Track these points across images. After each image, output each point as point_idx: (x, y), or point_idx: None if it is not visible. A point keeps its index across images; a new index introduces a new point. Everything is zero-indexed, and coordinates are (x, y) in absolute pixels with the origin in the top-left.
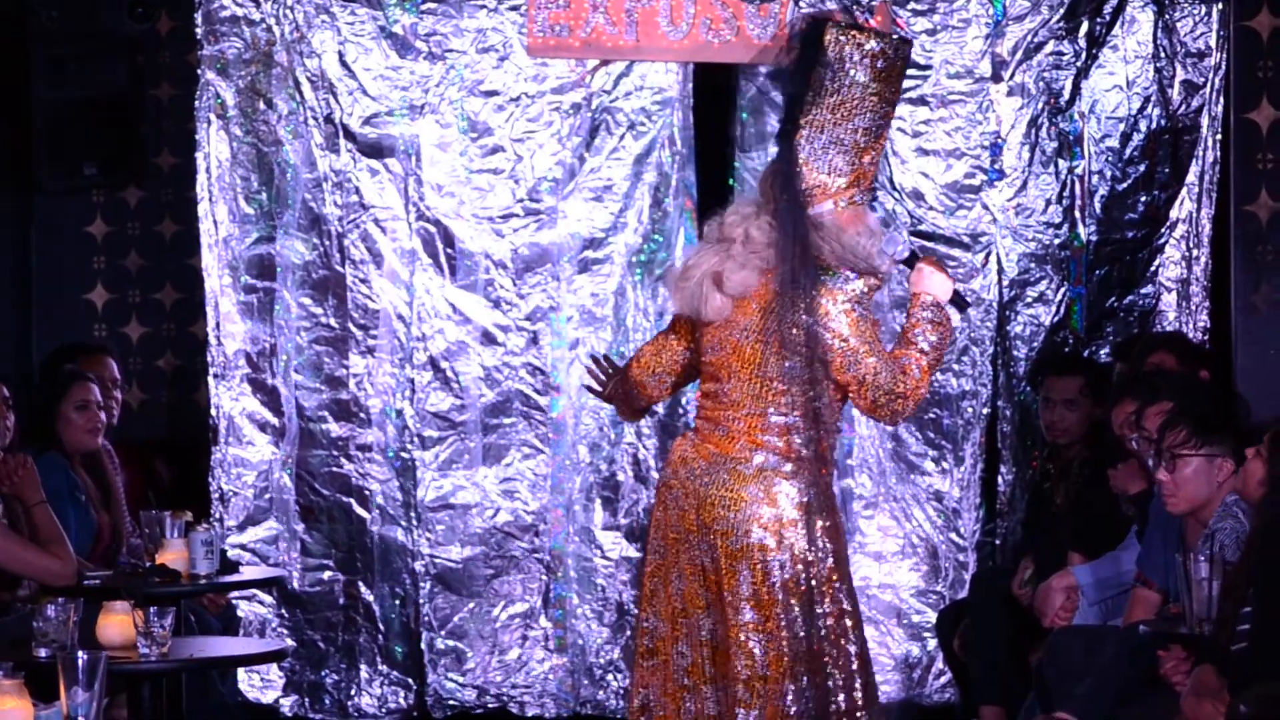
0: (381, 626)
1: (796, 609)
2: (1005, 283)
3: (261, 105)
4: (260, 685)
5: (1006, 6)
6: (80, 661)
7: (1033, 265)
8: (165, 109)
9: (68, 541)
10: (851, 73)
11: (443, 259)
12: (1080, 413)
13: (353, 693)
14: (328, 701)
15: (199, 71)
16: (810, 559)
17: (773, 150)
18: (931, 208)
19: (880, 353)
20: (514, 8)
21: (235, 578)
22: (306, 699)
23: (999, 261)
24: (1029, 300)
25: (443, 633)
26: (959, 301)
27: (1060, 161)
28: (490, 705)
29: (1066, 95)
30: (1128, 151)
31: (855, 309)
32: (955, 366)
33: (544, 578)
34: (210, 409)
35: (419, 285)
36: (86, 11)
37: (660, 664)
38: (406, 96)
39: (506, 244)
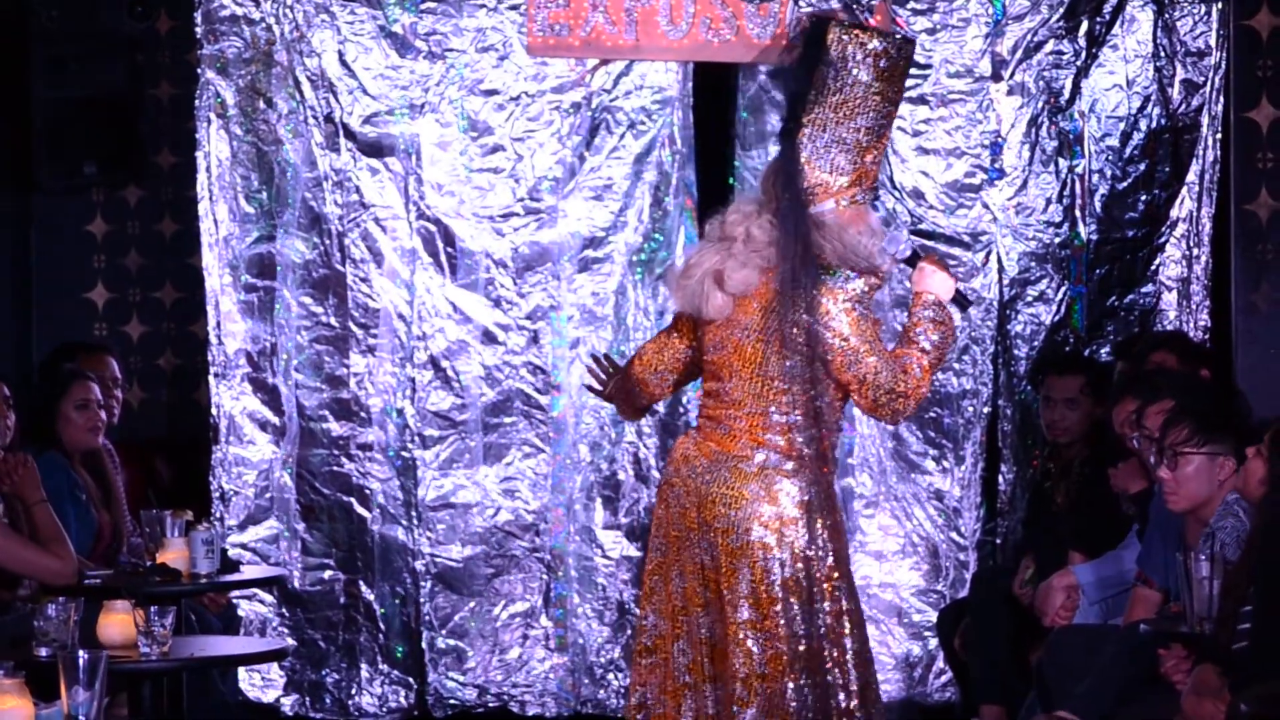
0: (382, 626)
1: (796, 607)
2: (1006, 282)
3: (261, 104)
4: (261, 684)
5: (1006, 6)
6: (81, 661)
7: (1033, 264)
8: (165, 108)
9: (68, 541)
10: (854, 72)
11: (443, 258)
12: (1081, 412)
13: (353, 692)
14: (328, 701)
15: (199, 71)
16: (811, 557)
17: (774, 149)
18: (932, 207)
19: (881, 352)
20: (514, 7)
21: (236, 577)
22: (307, 698)
23: (999, 260)
24: (1029, 299)
25: (443, 632)
26: (961, 300)
27: (1060, 160)
28: (491, 704)
29: (1066, 94)
30: (1128, 150)
31: (856, 308)
32: (956, 365)
33: (545, 577)
34: (211, 408)
35: (419, 284)
36: (86, 11)
37: (660, 662)
38: (406, 96)
39: (507, 243)
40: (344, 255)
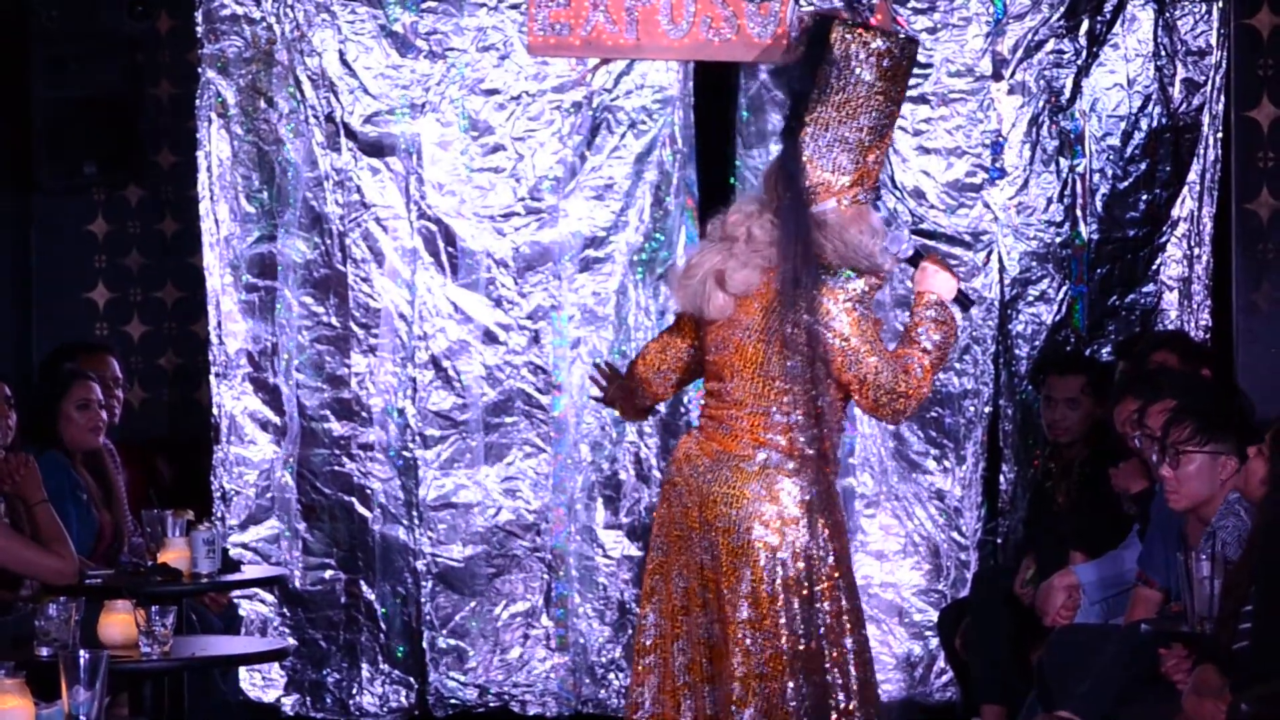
0: (383, 625)
1: (796, 607)
2: (1007, 281)
3: (262, 104)
4: (262, 684)
5: (1007, 5)
6: (82, 660)
7: (1034, 264)
8: (165, 108)
9: (69, 540)
10: (857, 71)
11: (444, 258)
12: (1082, 411)
13: (354, 692)
14: (329, 700)
15: (199, 70)
16: (812, 557)
17: (775, 148)
18: (933, 206)
19: (882, 352)
20: (514, 6)
21: (237, 577)
22: (308, 698)
23: (1000, 260)
24: (1030, 299)
25: (444, 632)
26: (963, 300)
27: (1061, 160)
28: (491, 704)
29: (1067, 93)
30: (1129, 150)
31: (856, 308)
32: (957, 365)
33: (545, 577)
34: (212, 408)
35: (420, 284)
36: (86, 11)
37: (659, 662)
38: (407, 95)
39: (508, 243)
40: (345, 255)
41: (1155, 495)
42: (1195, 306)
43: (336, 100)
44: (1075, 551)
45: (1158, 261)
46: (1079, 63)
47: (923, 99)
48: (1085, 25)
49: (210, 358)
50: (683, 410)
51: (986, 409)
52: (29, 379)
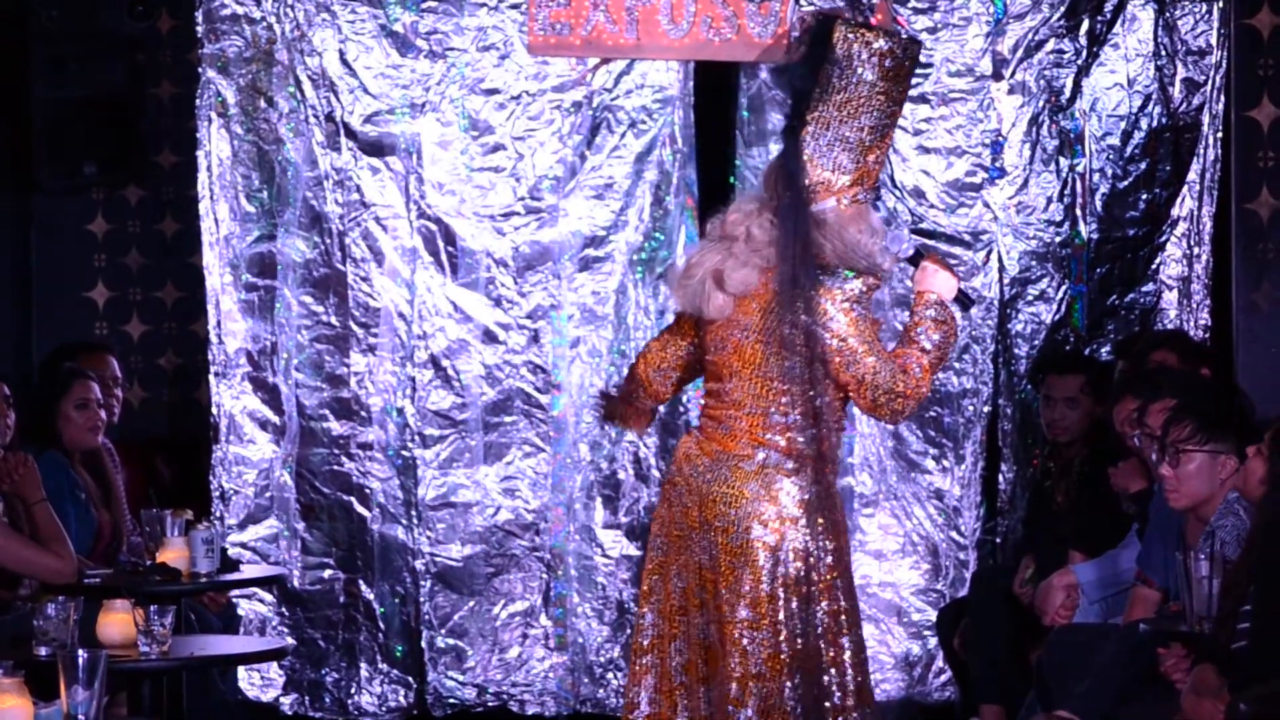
0: (382, 625)
1: (794, 607)
2: (1006, 281)
3: (262, 103)
4: (260, 684)
5: (1007, 4)
6: (80, 660)
7: (1034, 263)
8: (166, 107)
9: (68, 540)
10: (859, 71)
11: (444, 257)
12: (1081, 411)
13: (353, 691)
14: (328, 700)
15: (199, 70)
16: (810, 557)
17: (775, 148)
18: (933, 206)
19: (880, 352)
20: (514, 6)
21: (235, 576)
22: (307, 697)
23: (1000, 259)
24: (1030, 298)
25: (443, 631)
26: (963, 300)
27: (1061, 159)
28: (490, 704)
29: (1067, 93)
30: (1129, 149)
31: (854, 309)
32: (956, 365)
33: (544, 576)
34: (211, 407)
35: (420, 283)
36: (86, 11)
37: (656, 661)
38: (407, 95)
39: (508, 242)
40: (345, 254)
41: (1154, 495)
42: (1195, 306)
43: (336, 100)
44: (1074, 551)
45: (1157, 261)
46: (1079, 62)
47: (923, 98)
48: (1085, 25)
49: (209, 357)
50: (682, 410)
51: (986, 408)
52: (29, 378)
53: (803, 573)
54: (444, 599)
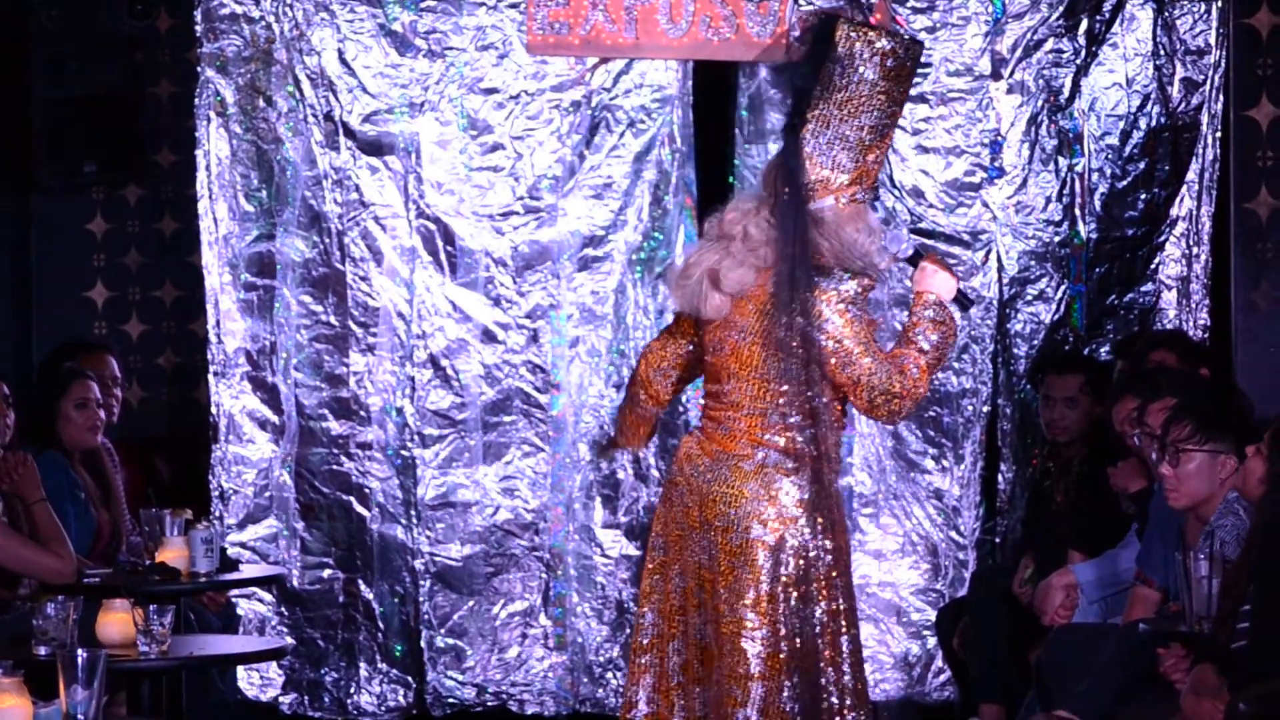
0: (381, 624)
1: (794, 606)
2: (1005, 280)
3: (261, 103)
4: (260, 683)
5: (1006, 4)
6: (80, 659)
7: (1033, 263)
8: (165, 107)
9: (67, 539)
10: (861, 69)
11: (443, 256)
12: (1080, 411)
13: (352, 691)
14: (327, 700)
15: (198, 69)
16: (810, 556)
17: (773, 147)
18: (931, 205)
19: (876, 353)
20: (513, 5)
21: (235, 576)
22: (306, 697)
23: (999, 259)
24: (1029, 298)
25: (442, 631)
26: (962, 300)
27: (1060, 159)
28: (489, 703)
29: (1066, 93)
30: (1127, 149)
31: (849, 310)
32: (955, 364)
33: (544, 576)
34: (210, 407)
35: (419, 283)
36: (86, 10)
37: (655, 661)
38: (406, 94)
39: (507, 241)
40: (343, 254)
41: (1154, 494)
42: (1194, 306)
43: (335, 99)
44: (1073, 551)
45: (1156, 261)
46: (1078, 62)
47: (921, 98)
48: (1084, 24)
49: (209, 356)
50: (681, 410)
51: (985, 408)
52: (28, 378)
53: (802, 572)
54: (443, 599)
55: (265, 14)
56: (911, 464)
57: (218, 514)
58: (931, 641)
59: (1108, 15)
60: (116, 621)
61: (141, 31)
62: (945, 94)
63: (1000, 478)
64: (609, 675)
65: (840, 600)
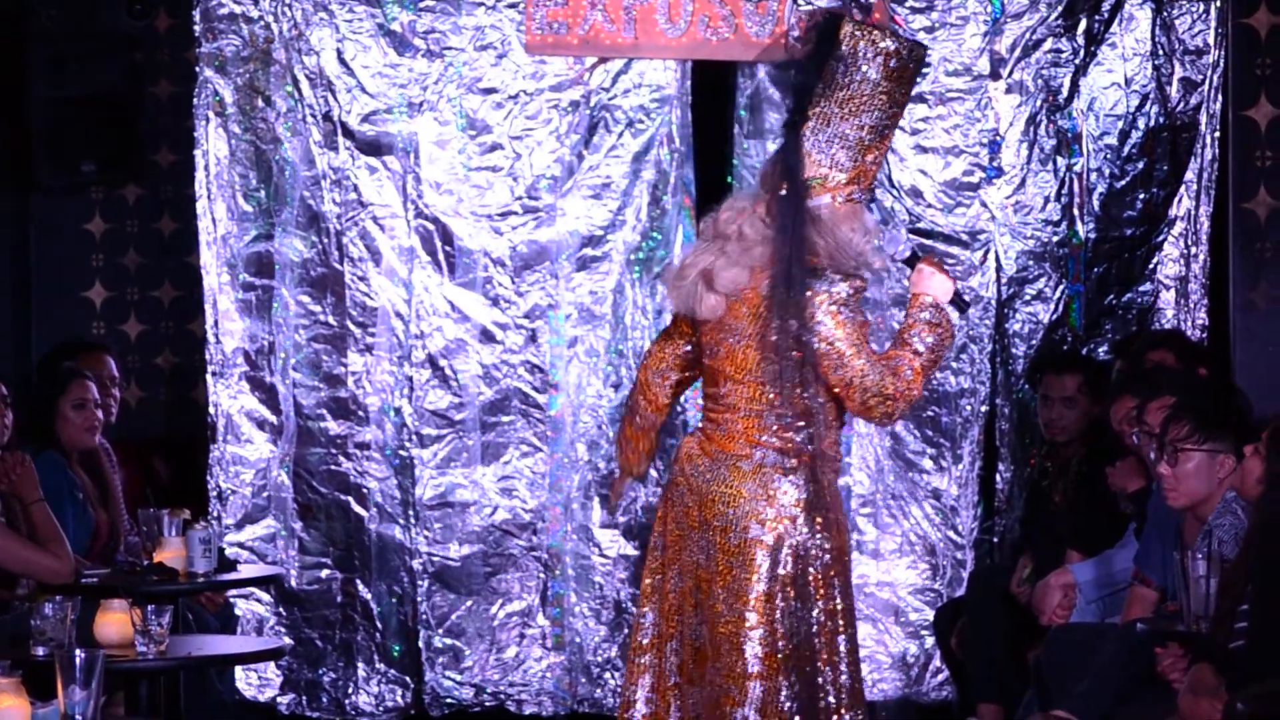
0: (379, 624)
1: (792, 606)
2: (1004, 280)
3: (260, 103)
4: (258, 683)
5: (1005, 4)
6: (78, 659)
7: (1031, 263)
8: (164, 106)
9: (66, 540)
10: (864, 68)
11: (441, 256)
12: (1078, 410)
13: (350, 691)
14: (325, 700)
15: (197, 69)
16: (808, 556)
17: (772, 147)
18: (930, 205)
19: (868, 354)
20: (512, 5)
21: (233, 576)
22: (304, 697)
23: (997, 259)
24: (1027, 298)
25: (440, 631)
26: (959, 302)
27: (1059, 159)
28: (488, 703)
29: (1065, 93)
30: (1126, 149)
31: (841, 312)
32: (954, 364)
33: (542, 576)
34: (208, 407)
35: (417, 283)
36: (85, 10)
37: (655, 661)
38: (405, 94)
39: (505, 241)
40: (342, 254)
41: (1152, 494)
42: (1192, 305)
43: (334, 99)
44: (1072, 550)
45: (1155, 260)
46: (1076, 62)
47: (920, 98)
48: (1083, 24)
49: (207, 356)
50: (680, 410)
51: (983, 408)
52: (27, 378)
53: (800, 572)
54: (441, 599)
55: (264, 14)
56: (910, 464)
57: (216, 514)
58: (929, 641)
59: (1106, 15)
60: (114, 622)
61: (140, 31)
62: (944, 94)
63: (998, 477)
64: (607, 675)
65: (838, 599)
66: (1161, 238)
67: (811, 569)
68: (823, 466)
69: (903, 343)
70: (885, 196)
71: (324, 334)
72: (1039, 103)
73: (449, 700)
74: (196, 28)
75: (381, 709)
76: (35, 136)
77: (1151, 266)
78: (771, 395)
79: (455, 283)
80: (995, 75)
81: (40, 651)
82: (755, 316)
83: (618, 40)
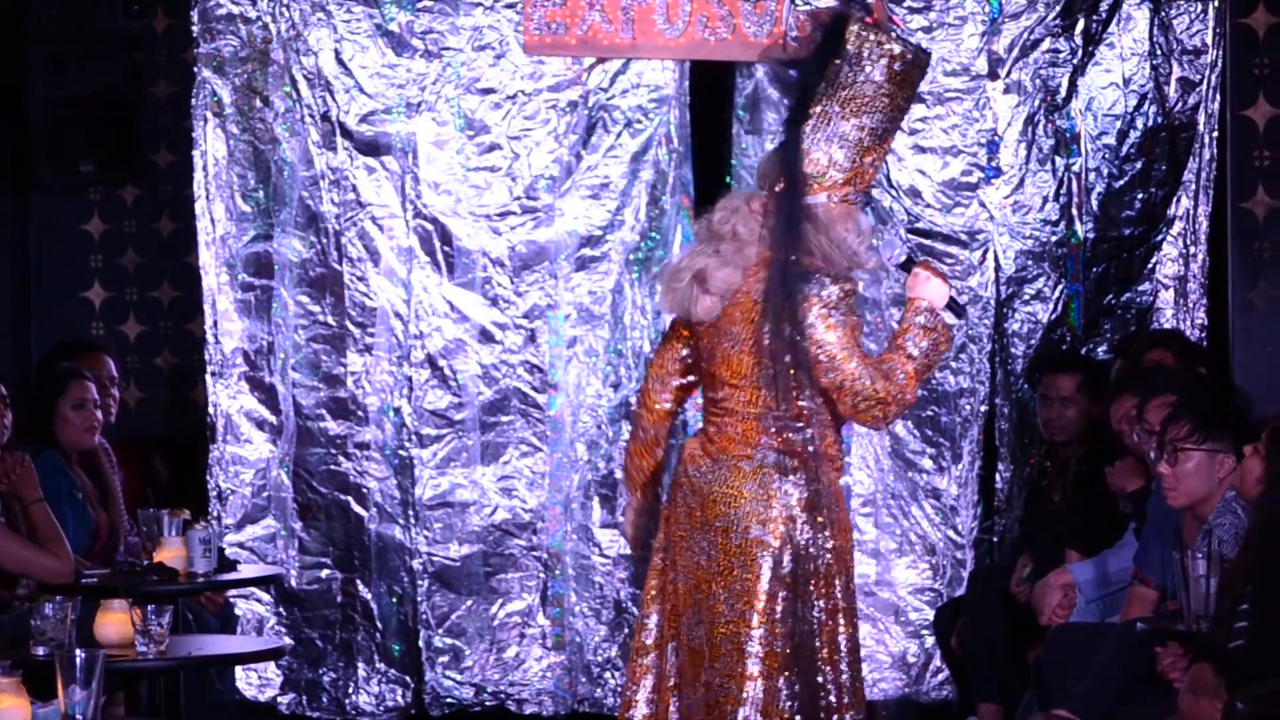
0: (379, 624)
1: (793, 605)
2: (1003, 280)
3: (258, 103)
4: (258, 683)
5: (1003, 4)
6: (78, 659)
7: (1030, 263)
8: (163, 107)
9: (65, 540)
10: (867, 69)
11: (440, 257)
12: (1078, 410)
13: (350, 691)
14: (325, 700)
15: (196, 69)
16: (809, 556)
17: (770, 147)
18: (929, 205)
19: (861, 357)
20: (510, 5)
21: (233, 576)
22: (304, 697)
23: (996, 259)
24: (1026, 298)
25: (440, 631)
26: (955, 307)
27: (1057, 159)
28: (488, 703)
29: (1063, 93)
30: (1124, 149)
31: (832, 315)
32: (953, 364)
33: (542, 575)
34: (208, 407)
35: (416, 283)
36: (85, 10)
37: (657, 661)
38: (403, 94)
39: (504, 242)
40: (341, 254)
41: (1151, 493)
42: (1191, 305)
43: (332, 99)
44: (1071, 550)
45: (1153, 260)
46: (1075, 62)
47: (919, 98)
48: (1081, 24)
49: (206, 357)
50: (679, 410)
51: (982, 408)
52: (26, 378)
53: (801, 572)
54: (441, 598)
55: (262, 14)
56: (909, 463)
57: (215, 514)
58: (930, 641)
59: (1104, 15)
60: (114, 622)
61: (139, 31)
62: (942, 94)
63: (998, 477)
64: (607, 675)
65: (839, 599)
66: (1160, 237)
67: (812, 569)
68: (824, 466)
69: (896, 347)
70: (884, 196)
71: (323, 334)
72: (1037, 103)
73: (449, 700)
74: (194, 28)
75: (382, 709)
76: (35, 136)
77: (1150, 266)
78: (768, 399)
79: (454, 283)
80: (993, 75)
81: (40, 651)
82: (749, 321)
83: (616, 40)
